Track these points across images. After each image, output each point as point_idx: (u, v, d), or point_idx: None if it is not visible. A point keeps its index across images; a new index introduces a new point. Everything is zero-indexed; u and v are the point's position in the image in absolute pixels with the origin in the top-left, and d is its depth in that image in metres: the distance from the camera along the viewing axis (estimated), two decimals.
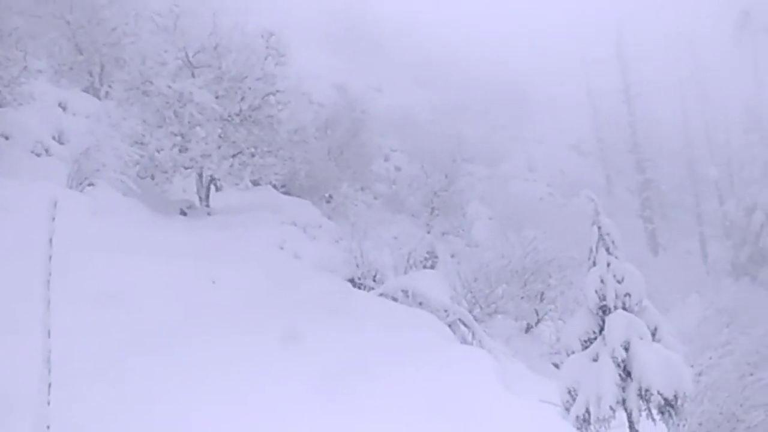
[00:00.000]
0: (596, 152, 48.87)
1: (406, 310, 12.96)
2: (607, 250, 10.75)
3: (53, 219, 5.89)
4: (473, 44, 46.85)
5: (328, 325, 9.96)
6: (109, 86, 20.91)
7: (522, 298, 19.10)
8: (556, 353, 16.44)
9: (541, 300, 19.44)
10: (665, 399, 9.74)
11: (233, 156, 18.87)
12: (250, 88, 18.95)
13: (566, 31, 46.00)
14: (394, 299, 13.95)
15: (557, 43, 46.18)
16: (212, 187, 19.47)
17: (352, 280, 15.97)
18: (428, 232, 24.53)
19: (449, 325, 13.77)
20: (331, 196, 24.10)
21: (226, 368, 7.82)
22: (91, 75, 22.96)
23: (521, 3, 47.84)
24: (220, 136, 18.58)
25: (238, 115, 18.93)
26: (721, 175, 46.57)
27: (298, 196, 23.07)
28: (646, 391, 9.80)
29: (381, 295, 14.26)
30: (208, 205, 18.97)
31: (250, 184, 21.17)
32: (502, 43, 46.17)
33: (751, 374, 14.92)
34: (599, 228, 10.74)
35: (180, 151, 18.13)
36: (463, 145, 31.95)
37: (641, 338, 10.27)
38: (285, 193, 23.12)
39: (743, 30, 47.04)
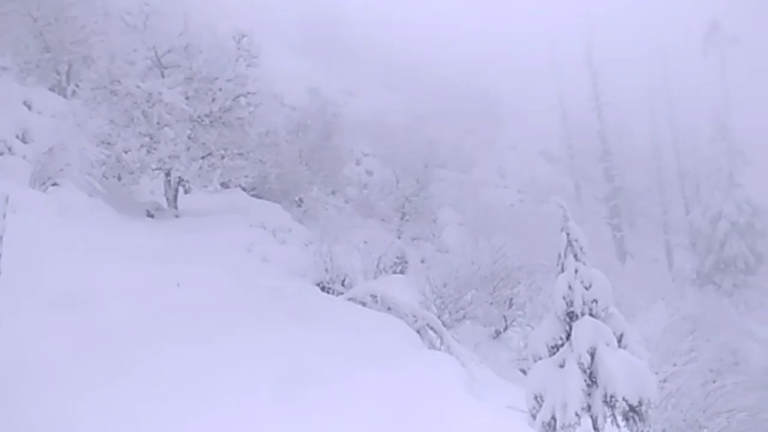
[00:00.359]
0: (566, 159, 49.36)
1: (373, 315, 12.87)
2: (575, 256, 10.81)
3: (4, 216, 5.68)
4: (446, 50, 47.08)
5: (290, 329, 9.81)
6: (77, 85, 20.57)
7: (491, 303, 19.12)
8: (524, 359, 16.47)
9: (510, 306, 19.49)
10: (630, 405, 9.80)
11: (202, 158, 18.66)
12: (220, 90, 18.76)
13: (538, 38, 46.48)
14: (363, 304, 13.87)
15: (529, 50, 46.60)
16: (180, 188, 19.22)
17: (320, 285, 15.87)
18: (399, 237, 24.51)
19: (418, 331, 13.70)
20: (301, 200, 23.97)
21: (182, 374, 7.66)
22: (58, 73, 22.57)
23: (494, 9, 48.17)
24: (189, 138, 18.36)
25: (208, 116, 18.72)
26: (687, 184, 47.31)
27: (269, 200, 22.90)
28: (612, 397, 9.86)
29: (350, 299, 14.16)
30: (175, 207, 18.72)
31: (219, 187, 20.98)
32: (475, 49, 46.47)
33: (714, 381, 15.11)
34: (568, 234, 10.80)
35: (148, 151, 17.87)
36: (435, 150, 32.03)
37: (607, 345, 10.34)
38: (255, 196, 22.93)
39: (711, 41, 47.87)
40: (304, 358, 8.64)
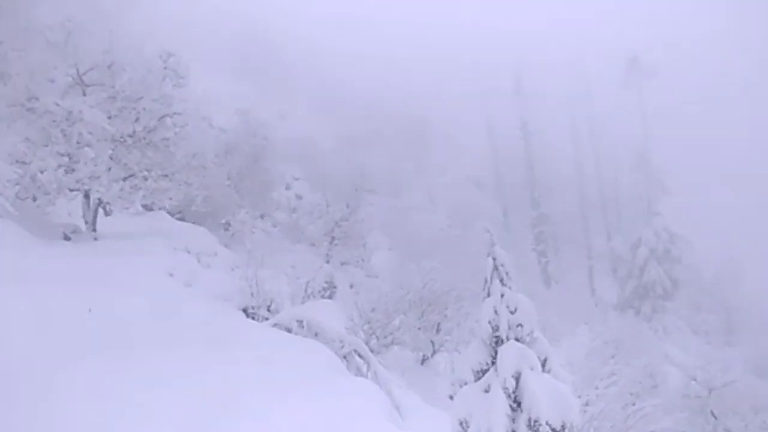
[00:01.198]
0: (495, 186, 50.25)
1: (297, 342, 12.60)
2: (501, 281, 10.88)
3: None
4: (379, 75, 47.45)
5: (206, 358, 9.45)
6: None
7: (419, 328, 19.12)
8: (451, 384, 16.44)
9: (438, 331, 19.53)
10: (553, 429, 9.86)
11: (124, 179, 18.06)
12: (145, 109, 18.26)
13: (468, 66, 47.34)
14: (288, 330, 13.60)
15: (459, 77, 47.43)
16: (100, 210, 18.53)
17: (245, 310, 15.49)
18: (328, 262, 24.31)
19: (345, 356, 13.53)
20: (228, 223, 23.47)
21: (87, 405, 7.24)
22: None
23: (425, 37, 48.91)
24: (111, 158, 17.76)
25: (131, 136, 18.17)
26: (609, 212, 48.80)
27: (194, 223, 22.34)
28: (535, 421, 9.90)
29: (275, 325, 13.86)
30: (94, 230, 18.01)
31: (142, 209, 20.34)
32: (407, 76, 46.99)
33: (634, 404, 15.46)
34: (494, 259, 10.87)
35: (66, 171, 17.17)
36: (366, 175, 32.07)
37: (532, 369, 10.40)
38: (180, 219, 22.34)
39: (631, 75, 49.82)
40: (218, 389, 8.29)
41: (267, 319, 14.78)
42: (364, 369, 13.40)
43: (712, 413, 21.01)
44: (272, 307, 15.63)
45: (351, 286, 24.09)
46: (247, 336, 11.81)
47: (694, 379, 22.12)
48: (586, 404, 14.12)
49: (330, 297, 19.42)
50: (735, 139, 52.35)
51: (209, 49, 45.21)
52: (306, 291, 18.36)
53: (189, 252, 17.99)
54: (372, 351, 15.88)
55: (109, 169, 17.71)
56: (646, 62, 49.65)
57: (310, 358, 11.57)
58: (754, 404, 22.78)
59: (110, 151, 17.74)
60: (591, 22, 49.99)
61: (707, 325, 42.78)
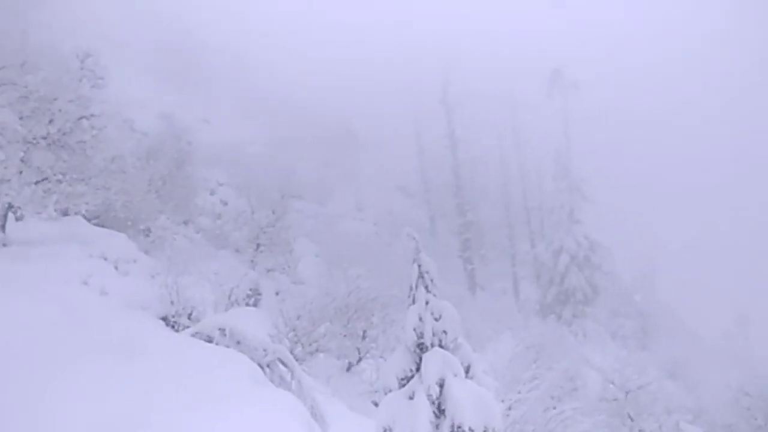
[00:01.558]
0: (422, 193, 50.62)
1: (215, 351, 12.24)
2: (426, 288, 10.92)
3: None
4: (306, 81, 47.20)
5: (116, 370, 9.03)
6: None
7: (344, 336, 19.00)
8: (376, 391, 16.40)
9: (364, 338, 19.45)
10: None
11: (37, 182, 17.32)
12: (60, 110, 17.57)
13: (396, 72, 47.62)
14: (210, 338, 13.23)
15: (387, 84, 47.64)
16: (11, 215, 17.67)
17: (165, 318, 15.01)
18: (253, 269, 23.87)
19: (268, 365, 13.27)
20: (149, 229, 22.76)
21: None
22: None
23: (352, 43, 48.99)
24: (22, 160, 17.00)
25: (45, 138, 17.44)
26: (533, 219, 49.88)
27: (113, 229, 21.55)
28: (458, 427, 9.95)
29: (196, 334, 13.46)
30: (3, 234, 17.16)
31: (55, 214, 19.48)
32: (334, 82, 46.91)
33: (555, 407, 15.78)
34: (419, 266, 10.91)
35: None
36: (293, 181, 31.72)
37: (455, 375, 10.45)
38: (98, 224, 21.50)
39: (555, 85, 51.13)
40: (126, 403, 7.88)
41: (188, 327, 14.36)
42: (288, 377, 13.17)
43: (629, 415, 21.66)
44: (193, 316, 15.19)
45: (277, 293, 23.75)
46: (163, 346, 11.37)
47: (612, 382, 22.75)
48: (509, 408, 14.32)
49: (255, 304, 19.06)
50: (656, 149, 54.63)
51: (133, 51, 44.04)
52: (230, 298, 17.97)
53: (106, 259, 17.35)
54: (297, 359, 15.66)
55: (21, 172, 16.95)
56: (569, 74, 51.05)
57: (229, 369, 11.23)
58: (668, 405, 23.66)
59: (22, 154, 16.98)
60: (518, 32, 51.22)
61: (624, 329, 44.23)
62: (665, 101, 55.63)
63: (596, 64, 52.46)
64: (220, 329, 13.39)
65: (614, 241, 45.79)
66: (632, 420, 21.62)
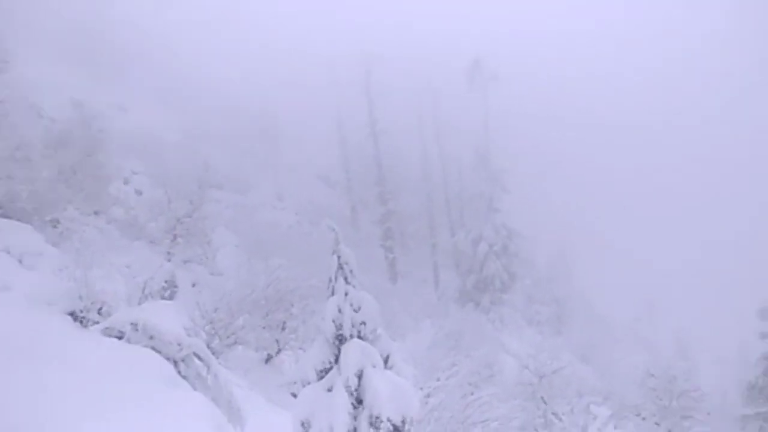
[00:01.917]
0: (344, 183, 50.53)
1: (123, 351, 11.77)
2: (346, 279, 10.90)
3: None
4: (224, 67, 46.27)
5: (12, 374, 8.50)
6: None
7: (264, 328, 18.79)
8: (294, 383, 16.27)
9: (283, 329, 19.29)
10: (394, 425, 9.99)
11: None
12: None
13: (318, 62, 47.30)
14: (121, 334, 12.77)
15: (308, 73, 47.27)
16: None
17: (73, 314, 14.37)
18: (169, 260, 23.23)
19: (183, 360, 12.93)
20: (57, 220, 21.80)
21: None
22: None
23: (272, 30, 48.36)
24: None
25: None
26: (453, 209, 50.57)
27: (18, 220, 20.55)
28: (377, 418, 9.99)
29: (106, 329, 12.97)
30: None
31: None
32: (255, 70, 46.19)
33: (472, 393, 16.08)
34: (339, 257, 10.87)
35: None
36: (211, 170, 30.99)
37: (374, 366, 10.49)
38: (1, 215, 20.47)
39: (474, 76, 51.78)
40: (16, 410, 7.32)
41: (98, 323, 13.81)
42: (204, 372, 12.88)
43: (542, 398, 22.30)
44: (104, 310, 14.60)
45: (193, 285, 23.21)
46: (66, 345, 10.85)
47: (527, 367, 23.37)
48: (428, 396, 14.49)
49: (170, 297, 18.51)
50: (572, 138, 56.11)
51: (42, 32, 42.05)
52: (144, 291, 17.38)
53: (9, 252, 16.52)
54: (214, 352, 15.37)
55: None
56: (489, 64, 51.74)
57: (137, 369, 10.81)
58: (579, 388, 24.52)
59: None
60: (440, 22, 51.62)
61: (540, 315, 45.54)
62: (588, 91, 56.83)
63: (517, 54, 53.32)
64: (132, 324, 12.95)
65: (531, 229, 47.06)
66: (545, 403, 22.26)
